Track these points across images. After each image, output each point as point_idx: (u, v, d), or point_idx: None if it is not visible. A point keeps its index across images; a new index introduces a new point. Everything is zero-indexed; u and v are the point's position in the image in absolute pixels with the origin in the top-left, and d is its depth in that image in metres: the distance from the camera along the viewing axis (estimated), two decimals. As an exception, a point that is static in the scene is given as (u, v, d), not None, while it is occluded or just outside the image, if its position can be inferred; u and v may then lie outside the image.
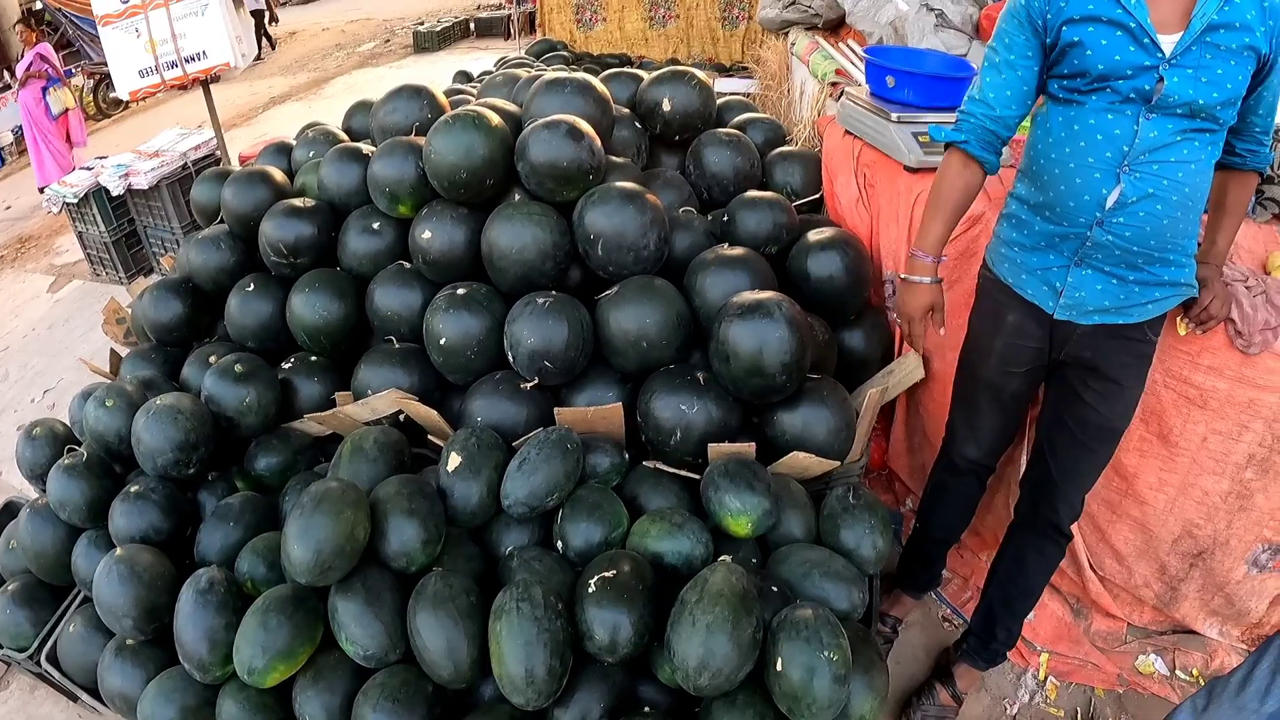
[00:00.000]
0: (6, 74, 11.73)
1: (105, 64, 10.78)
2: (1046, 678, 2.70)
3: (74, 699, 3.07)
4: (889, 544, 2.38)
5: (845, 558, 2.30)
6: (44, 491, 2.82)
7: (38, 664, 2.67)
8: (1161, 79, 1.80)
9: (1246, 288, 2.21)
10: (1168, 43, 1.79)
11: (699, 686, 1.90)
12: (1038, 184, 2.02)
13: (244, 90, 11.84)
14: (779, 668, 1.91)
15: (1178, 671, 2.68)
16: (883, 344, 2.91)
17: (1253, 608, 2.59)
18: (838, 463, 2.48)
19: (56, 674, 2.62)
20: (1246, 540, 2.44)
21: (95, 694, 2.55)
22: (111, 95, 11.36)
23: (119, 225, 5.59)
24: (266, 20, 16.48)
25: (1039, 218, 2.03)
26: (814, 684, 1.87)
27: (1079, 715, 2.62)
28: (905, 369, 2.79)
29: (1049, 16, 1.91)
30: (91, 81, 11.33)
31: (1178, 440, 2.37)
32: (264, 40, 16.79)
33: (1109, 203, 1.90)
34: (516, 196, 2.72)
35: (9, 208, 8.73)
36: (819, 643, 1.90)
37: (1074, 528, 2.36)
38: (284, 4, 19.12)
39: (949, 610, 2.88)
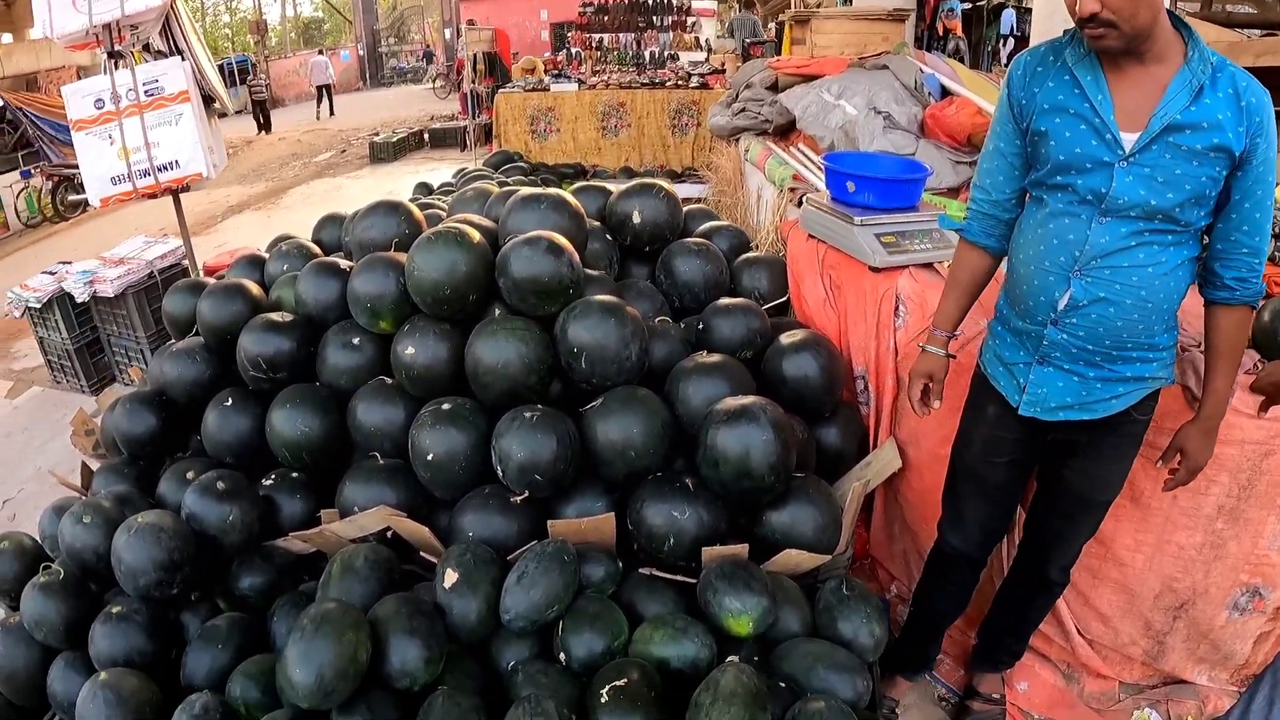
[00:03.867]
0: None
1: (65, 166, 10.72)
2: (1049, 745, 2.63)
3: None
4: (885, 631, 2.38)
5: (845, 648, 2.29)
6: (12, 608, 2.64)
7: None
8: (1113, 180, 1.77)
9: (1201, 351, 2.21)
10: (1129, 140, 1.75)
11: None
12: (1011, 280, 2.02)
13: (201, 198, 11.66)
14: (796, 764, 1.86)
15: (1174, 722, 2.65)
16: (857, 438, 2.91)
17: (1238, 650, 2.58)
18: (828, 556, 2.46)
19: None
20: (1225, 587, 2.44)
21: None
22: (70, 198, 11.14)
23: (82, 332, 5.41)
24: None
25: (1014, 313, 2.02)
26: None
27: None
28: (882, 460, 2.78)
29: (1024, 104, 1.90)
30: (50, 183, 11.08)
31: (1149, 501, 2.38)
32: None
33: (1061, 304, 1.89)
34: (497, 311, 2.69)
35: (-36, 313, 8.45)
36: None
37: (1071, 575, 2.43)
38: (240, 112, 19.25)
39: (945, 690, 2.83)
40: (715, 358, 2.64)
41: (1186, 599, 2.49)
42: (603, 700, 1.99)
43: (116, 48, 5.12)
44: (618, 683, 2.02)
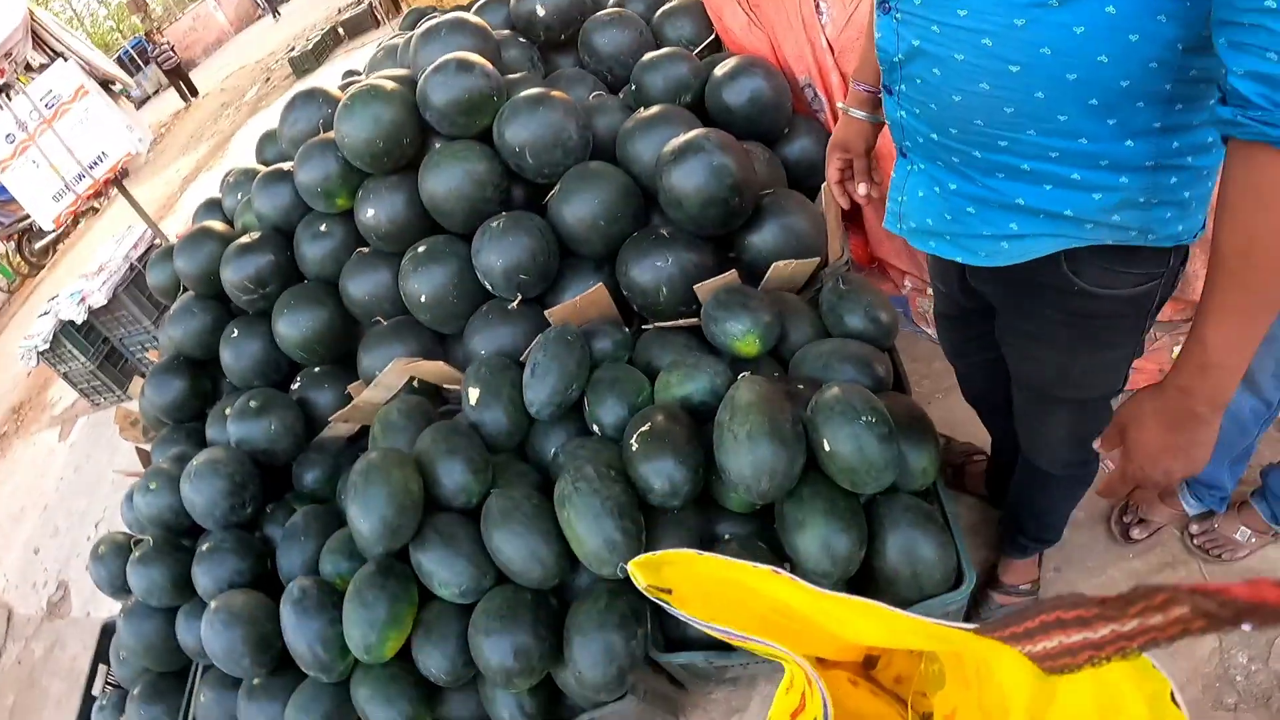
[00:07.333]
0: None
1: (16, 221, 11.08)
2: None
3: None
4: (893, 316, 2.51)
5: (858, 340, 2.43)
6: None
7: (184, 745, 2.84)
8: None
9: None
10: None
11: (764, 494, 2.04)
12: None
13: (156, 184, 12.00)
14: (827, 449, 2.03)
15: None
16: (822, 145, 2.95)
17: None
18: (816, 260, 2.62)
19: (203, 746, 2.79)
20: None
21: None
22: (35, 246, 11.52)
23: (96, 349, 5.76)
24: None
25: None
26: (864, 451, 1.98)
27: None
28: (854, 158, 2.90)
29: None
30: (12, 243, 11.50)
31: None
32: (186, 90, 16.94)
33: (895, 55, 1.30)
34: (437, 145, 2.85)
35: (-10, 390, 8.93)
36: (853, 411, 2.01)
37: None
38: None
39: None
40: (654, 109, 2.78)
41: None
42: (634, 449, 2.20)
43: (1, 81, 5.38)
44: (643, 428, 2.22)
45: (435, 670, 2.33)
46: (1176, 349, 2.62)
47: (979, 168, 1.29)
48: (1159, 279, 1.36)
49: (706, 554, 1.33)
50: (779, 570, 1.22)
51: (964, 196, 1.35)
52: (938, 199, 1.40)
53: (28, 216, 10.79)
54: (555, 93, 2.75)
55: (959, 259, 1.43)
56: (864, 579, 2.17)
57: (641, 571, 1.37)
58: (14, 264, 11.63)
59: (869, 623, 1.15)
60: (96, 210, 12.09)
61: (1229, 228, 1.02)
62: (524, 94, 2.75)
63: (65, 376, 6.04)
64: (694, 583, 1.37)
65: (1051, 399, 1.65)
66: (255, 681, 2.62)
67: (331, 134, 2.95)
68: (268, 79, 14.87)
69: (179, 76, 18.09)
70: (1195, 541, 2.40)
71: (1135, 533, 2.46)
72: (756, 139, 2.88)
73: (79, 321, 5.57)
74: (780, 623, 1.34)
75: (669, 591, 1.39)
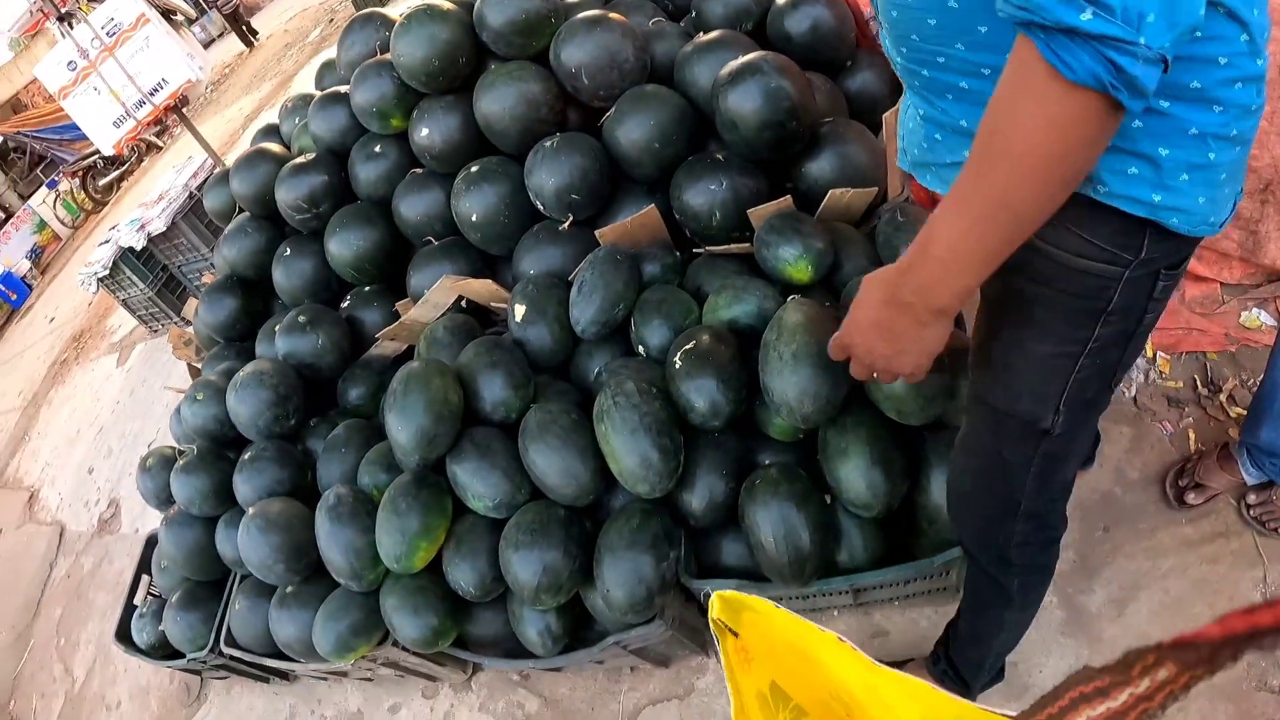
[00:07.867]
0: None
1: (81, 159, 11.33)
2: (1155, 355, 2.71)
3: (265, 679, 3.38)
4: None
5: None
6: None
7: (219, 655, 2.94)
8: None
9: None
10: None
11: (807, 417, 2.02)
12: None
13: (218, 121, 12.11)
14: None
15: (1284, 318, 2.64)
16: (887, 79, 2.95)
17: (1334, 230, 2.48)
18: (874, 189, 2.57)
19: (238, 652, 2.88)
20: (1303, 159, 2.33)
21: (278, 658, 2.83)
22: (99, 183, 11.77)
23: (155, 276, 5.86)
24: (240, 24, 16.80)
25: None
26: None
27: (1198, 382, 2.61)
28: (916, 93, 2.85)
29: None
30: (77, 180, 11.76)
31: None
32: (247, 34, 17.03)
33: None
34: (493, 65, 2.85)
35: (53, 319, 9.18)
36: (906, 343, 1.99)
37: None
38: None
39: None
40: (714, 34, 2.74)
41: (1269, 178, 2.40)
42: (677, 366, 2.20)
43: (63, 10, 5.50)
44: (687, 346, 2.22)
45: (464, 584, 2.36)
46: (1245, 314, 2.63)
47: (933, 90, 1.23)
48: (1123, 266, 1.15)
49: (783, 609, 1.34)
50: (843, 639, 1.25)
51: (931, 122, 1.29)
52: (920, 127, 1.34)
53: (92, 153, 11.08)
54: (613, 15, 2.73)
55: (939, 190, 1.34)
56: (906, 518, 2.16)
57: (721, 605, 1.39)
58: (78, 200, 11.90)
59: (913, 706, 1.17)
60: (160, 148, 12.29)
61: (985, 113, 0.97)
62: (582, 15, 2.73)
63: (124, 303, 6.17)
64: (767, 642, 1.39)
65: (975, 399, 1.49)
66: (288, 589, 2.69)
67: (388, 55, 2.96)
68: (331, 20, 14.81)
69: (238, 22, 18.10)
70: (1251, 513, 2.32)
71: (1190, 497, 2.38)
72: (818, 70, 2.82)
73: (138, 248, 5.67)
74: (839, 713, 1.36)
75: (736, 635, 1.41)
